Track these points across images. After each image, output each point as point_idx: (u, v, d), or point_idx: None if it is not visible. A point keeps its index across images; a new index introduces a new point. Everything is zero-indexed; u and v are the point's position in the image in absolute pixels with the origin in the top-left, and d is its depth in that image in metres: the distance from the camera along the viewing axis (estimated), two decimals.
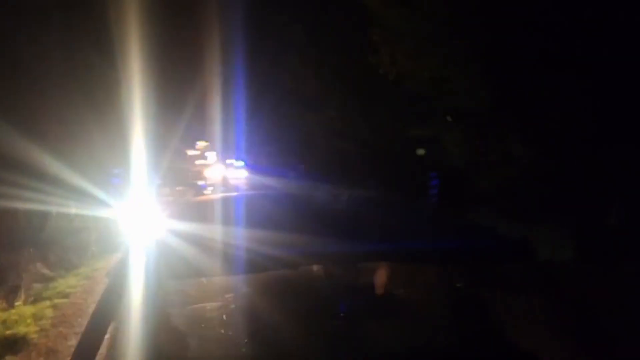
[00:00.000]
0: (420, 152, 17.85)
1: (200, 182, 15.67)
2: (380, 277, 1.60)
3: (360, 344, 1.39)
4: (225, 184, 21.51)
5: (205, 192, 19.87)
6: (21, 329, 5.80)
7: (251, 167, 25.31)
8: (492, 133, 14.27)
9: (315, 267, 1.16)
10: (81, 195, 11.54)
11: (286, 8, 24.53)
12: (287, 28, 24.09)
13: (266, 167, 25.68)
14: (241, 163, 24.96)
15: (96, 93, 19.33)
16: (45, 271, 7.96)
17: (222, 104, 23.68)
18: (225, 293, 1.48)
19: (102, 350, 1.19)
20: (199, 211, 1.83)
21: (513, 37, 13.32)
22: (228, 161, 25.94)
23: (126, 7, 14.34)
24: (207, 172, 23.94)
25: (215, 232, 1.51)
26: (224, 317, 1.46)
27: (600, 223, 11.92)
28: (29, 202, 13.42)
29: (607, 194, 12.19)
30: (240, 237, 1.39)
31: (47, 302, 7.75)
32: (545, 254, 10.93)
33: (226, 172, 25.09)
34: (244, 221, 1.40)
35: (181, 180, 19.89)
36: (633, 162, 12.18)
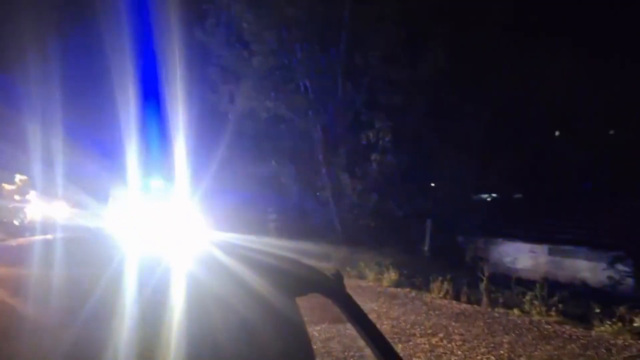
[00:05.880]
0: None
1: (15, 221, 13.79)
2: None
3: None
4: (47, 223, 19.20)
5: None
6: None
7: None
8: (325, 171, 15.34)
9: None
10: None
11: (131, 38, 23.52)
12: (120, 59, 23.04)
13: None
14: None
15: None
16: None
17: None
18: None
19: None
20: None
21: (337, 80, 14.76)
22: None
23: None
24: (26, 210, 21.29)
25: None
26: None
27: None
28: None
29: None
30: None
31: None
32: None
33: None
34: None
35: None
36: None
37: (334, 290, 1.59)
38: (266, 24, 14.42)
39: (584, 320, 7.78)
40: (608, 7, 13.78)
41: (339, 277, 1.86)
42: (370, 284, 11.82)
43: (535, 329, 7.51)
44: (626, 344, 6.69)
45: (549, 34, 13.66)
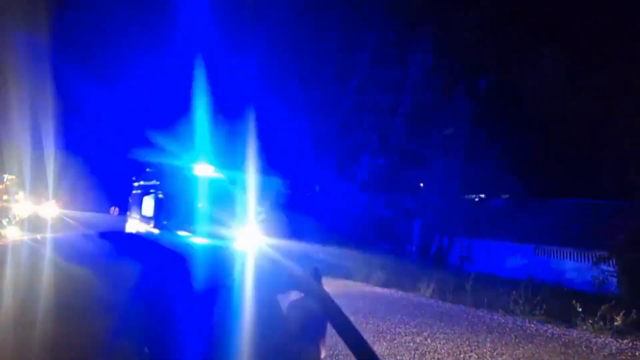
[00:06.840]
0: None
1: (3, 220, 13.67)
2: None
3: None
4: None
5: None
6: None
7: None
8: (314, 171, 15.39)
9: None
10: None
11: None
12: None
13: None
14: None
15: None
16: None
17: None
18: None
19: None
20: None
21: (326, 82, 14.83)
22: None
23: None
24: (15, 209, 21.09)
25: None
26: None
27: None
28: None
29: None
30: None
31: None
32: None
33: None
34: None
35: None
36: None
37: (312, 288, 1.64)
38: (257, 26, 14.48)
39: (567, 319, 7.91)
40: (594, 9, 13.96)
41: (316, 275, 1.88)
42: (358, 283, 11.86)
43: (518, 327, 7.63)
44: (606, 342, 6.82)
45: (535, 35, 13.81)
